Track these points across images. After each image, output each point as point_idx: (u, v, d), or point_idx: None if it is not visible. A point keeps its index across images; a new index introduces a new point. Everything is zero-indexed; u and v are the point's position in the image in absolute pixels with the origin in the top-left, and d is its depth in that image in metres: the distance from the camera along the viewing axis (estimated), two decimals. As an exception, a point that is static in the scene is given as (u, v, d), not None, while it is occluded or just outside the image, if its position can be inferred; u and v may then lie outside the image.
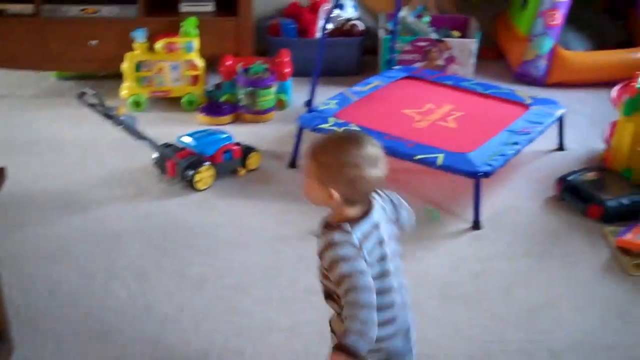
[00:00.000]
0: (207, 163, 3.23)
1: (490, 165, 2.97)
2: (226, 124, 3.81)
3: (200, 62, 3.95)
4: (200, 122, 3.84)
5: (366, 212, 1.75)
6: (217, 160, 3.28)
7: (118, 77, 4.05)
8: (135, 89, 3.93)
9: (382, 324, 1.70)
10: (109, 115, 3.06)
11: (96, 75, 4.30)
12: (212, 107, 3.91)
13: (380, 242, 1.75)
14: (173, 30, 3.97)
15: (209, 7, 4.10)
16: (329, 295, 1.81)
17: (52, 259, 2.79)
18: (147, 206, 3.14)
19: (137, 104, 3.93)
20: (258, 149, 3.45)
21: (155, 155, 3.31)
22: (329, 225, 1.74)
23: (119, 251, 2.84)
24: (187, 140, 3.33)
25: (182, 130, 3.64)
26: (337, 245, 1.68)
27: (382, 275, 1.75)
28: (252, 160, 3.39)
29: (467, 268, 2.77)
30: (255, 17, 4.20)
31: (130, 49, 3.91)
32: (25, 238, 2.90)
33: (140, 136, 3.17)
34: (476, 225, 2.99)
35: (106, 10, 3.98)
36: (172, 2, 4.12)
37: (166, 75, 3.92)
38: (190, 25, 3.93)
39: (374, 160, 1.70)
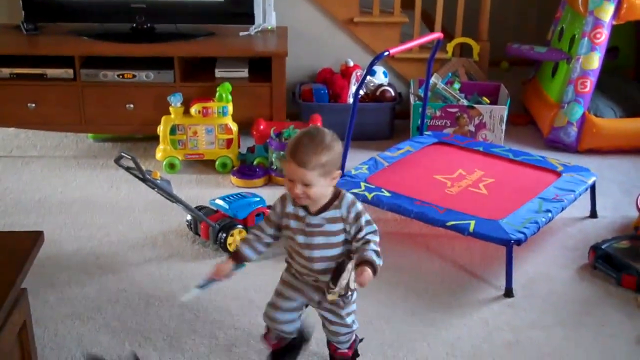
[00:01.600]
0: (240, 226, 3.26)
1: (522, 232, 2.96)
2: (259, 186, 3.86)
3: (234, 126, 4.02)
4: (233, 184, 3.90)
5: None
6: (250, 223, 3.31)
7: (153, 139, 4.13)
8: (170, 151, 4.00)
9: None
10: (144, 178, 3.12)
11: (132, 137, 4.39)
12: (245, 170, 3.96)
13: None
14: (208, 94, 4.06)
15: (243, 73, 4.19)
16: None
17: (85, 320, 2.81)
18: (180, 268, 3.16)
19: (171, 166, 4.00)
20: (290, 212, 3.47)
21: (188, 217, 3.35)
22: (332, 201, 2.24)
23: (151, 313, 2.86)
24: (220, 203, 3.37)
25: (215, 192, 3.70)
26: (357, 202, 2.25)
27: None
28: (284, 224, 3.42)
29: (500, 337, 2.75)
30: (288, 82, 4.28)
31: (166, 112, 3.99)
32: (58, 298, 2.93)
33: (175, 199, 3.22)
34: (508, 293, 2.98)
35: (143, 76, 4.08)
36: (207, 68, 4.22)
37: (200, 139, 4.00)
38: (224, 90, 4.01)
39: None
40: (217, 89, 4.03)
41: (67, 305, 2.90)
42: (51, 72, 4.05)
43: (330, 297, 2.23)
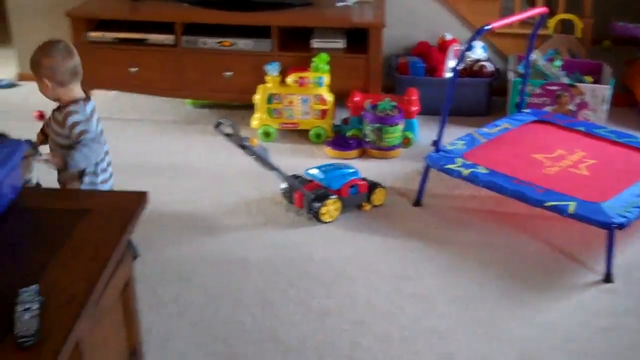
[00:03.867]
0: (334, 196, 3.27)
1: (625, 217, 2.87)
2: (352, 158, 3.86)
3: (329, 97, 4.02)
4: (326, 155, 3.91)
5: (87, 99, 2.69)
6: (344, 194, 3.32)
7: (249, 107, 4.17)
8: (266, 120, 4.04)
9: (104, 169, 2.78)
10: (242, 145, 3.16)
11: (229, 104, 4.45)
12: (339, 141, 3.96)
13: (98, 120, 2.75)
14: (305, 65, 4.06)
15: (340, 44, 4.18)
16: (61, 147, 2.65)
17: (182, 281, 2.88)
18: (274, 235, 3.20)
19: (266, 135, 4.04)
20: (383, 185, 3.47)
21: (283, 186, 3.38)
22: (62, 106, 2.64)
23: (246, 278, 2.91)
24: (315, 173, 3.38)
25: (308, 162, 3.72)
26: (74, 112, 2.60)
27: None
28: (378, 196, 3.41)
29: (596, 322, 2.68)
30: (384, 54, 4.25)
31: (263, 81, 4.03)
32: (157, 259, 3.02)
33: (271, 167, 3.25)
34: (608, 278, 2.90)
35: (242, 44, 4.11)
36: (304, 38, 4.22)
37: (296, 108, 4.01)
38: (321, 61, 4.01)
39: (64, 53, 2.62)
40: (314, 59, 4.03)
41: (165, 265, 2.98)
42: (153, 37, 4.14)
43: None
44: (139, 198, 2.07)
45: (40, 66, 2.60)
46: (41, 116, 4.27)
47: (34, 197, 2.06)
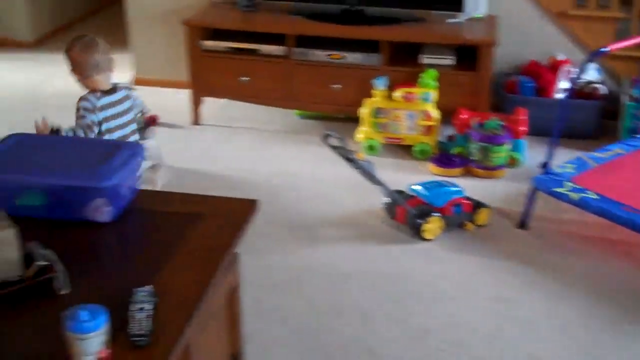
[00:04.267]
0: (437, 214, 3.26)
1: None
2: (456, 176, 3.82)
3: (435, 113, 4.00)
4: (430, 172, 3.89)
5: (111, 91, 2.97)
6: (447, 212, 3.29)
7: (355, 120, 4.20)
8: (371, 133, 4.06)
9: None
10: (349, 158, 3.18)
11: (335, 117, 4.49)
12: (443, 158, 3.94)
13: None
14: (412, 80, 4.06)
15: (449, 61, 4.15)
16: None
17: (284, 289, 2.93)
18: (375, 249, 3.21)
19: (371, 148, 4.06)
20: (488, 205, 3.42)
21: (386, 200, 3.39)
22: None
23: (346, 290, 2.93)
24: (419, 189, 3.37)
25: (411, 178, 3.71)
26: (84, 100, 2.92)
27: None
28: (481, 216, 3.37)
29: None
30: (493, 72, 4.20)
31: (370, 95, 4.05)
32: (260, 265, 3.07)
33: (376, 181, 3.27)
34: None
35: (351, 57, 4.15)
36: (413, 54, 4.22)
37: (401, 123, 4.02)
38: (429, 77, 4.00)
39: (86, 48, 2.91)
40: (422, 75, 4.02)
41: (268, 273, 3.03)
42: (265, 48, 4.23)
43: None
44: (250, 205, 2.12)
45: (67, 58, 2.98)
46: (154, 120, 4.41)
47: (150, 199, 2.13)
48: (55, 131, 2.92)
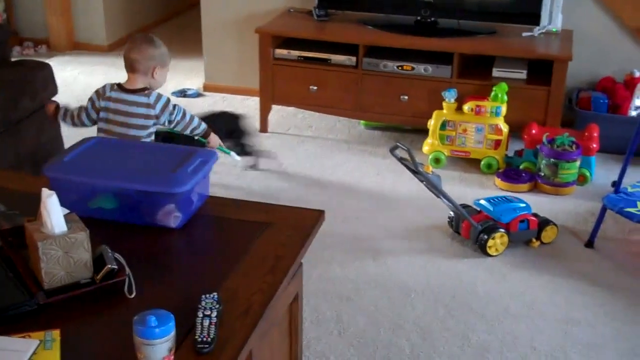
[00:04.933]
0: (502, 230, 3.22)
1: None
2: (523, 192, 3.77)
3: (504, 128, 3.96)
4: (496, 186, 3.85)
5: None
6: (513, 228, 3.25)
7: (421, 132, 4.19)
8: (437, 146, 4.03)
9: None
10: (416, 171, 3.17)
11: (401, 128, 4.48)
12: (511, 173, 3.89)
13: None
14: (482, 93, 4.03)
15: (522, 75, 4.10)
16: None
17: (344, 301, 2.93)
18: (437, 263, 3.19)
19: (436, 161, 4.03)
20: (555, 222, 3.37)
21: (451, 214, 3.36)
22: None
23: (406, 304, 2.92)
24: (485, 204, 3.34)
25: (476, 192, 3.68)
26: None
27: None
28: (548, 234, 3.32)
29: None
30: (566, 87, 4.13)
31: (438, 107, 4.03)
32: (321, 276, 3.08)
33: (442, 194, 3.25)
34: None
35: (421, 69, 4.14)
36: (484, 66, 4.18)
37: (469, 137, 3.98)
38: (500, 90, 3.96)
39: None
40: (493, 88, 3.98)
41: (328, 283, 3.04)
42: (335, 58, 4.25)
43: None
44: (316, 216, 2.13)
45: None
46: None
47: (218, 206, 2.17)
48: (57, 107, 3.11)
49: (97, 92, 3.02)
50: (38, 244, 1.66)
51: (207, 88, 5.13)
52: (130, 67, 3.00)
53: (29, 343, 1.50)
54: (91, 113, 3.02)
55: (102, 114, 3.00)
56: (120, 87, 3.01)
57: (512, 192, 3.74)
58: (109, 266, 1.71)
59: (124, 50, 3.03)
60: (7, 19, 5.97)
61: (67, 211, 1.74)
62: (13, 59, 3.79)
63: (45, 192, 1.70)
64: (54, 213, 1.68)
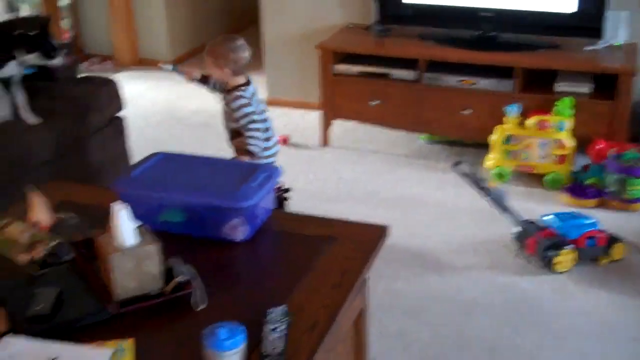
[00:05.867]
0: (569, 246, 3.16)
1: None
2: (589, 208, 3.69)
3: (569, 142, 3.89)
4: (561, 202, 3.78)
5: (248, 83, 3.19)
6: (580, 245, 3.19)
7: (482, 146, 4.14)
8: (501, 161, 3.99)
9: (267, 139, 3.21)
10: (480, 186, 3.14)
11: (462, 142, 4.45)
12: (577, 189, 3.81)
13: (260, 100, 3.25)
14: (545, 107, 3.96)
15: (586, 89, 4.03)
16: (234, 136, 3.23)
17: (409, 316, 2.91)
18: (502, 279, 3.14)
19: (500, 176, 3.98)
20: (623, 239, 3.29)
21: (516, 230, 3.32)
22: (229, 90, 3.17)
23: (472, 320, 2.88)
24: (551, 220, 3.28)
25: (541, 208, 3.62)
26: (240, 97, 3.13)
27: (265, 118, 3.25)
28: (617, 251, 3.24)
29: None
30: (633, 102, 4.04)
31: (501, 122, 3.98)
32: (385, 291, 3.07)
33: (506, 210, 3.20)
34: None
35: (483, 83, 4.10)
36: (547, 81, 4.12)
37: (533, 152, 3.93)
38: (564, 105, 3.89)
39: (243, 48, 3.17)
40: (557, 103, 3.92)
41: (392, 298, 3.02)
42: (396, 72, 4.24)
43: None
44: (381, 231, 2.13)
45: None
46: (285, 141, 4.51)
47: (283, 221, 2.18)
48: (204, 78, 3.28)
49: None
50: (109, 256, 1.69)
51: (268, 102, 5.16)
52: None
53: (102, 352, 1.53)
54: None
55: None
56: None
57: (578, 207, 3.67)
58: (179, 278, 1.73)
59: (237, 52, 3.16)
60: (74, 36, 6.13)
61: (139, 223, 1.77)
62: (80, 75, 3.88)
63: (116, 205, 1.73)
64: (124, 226, 1.71)
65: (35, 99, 3.40)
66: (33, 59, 3.29)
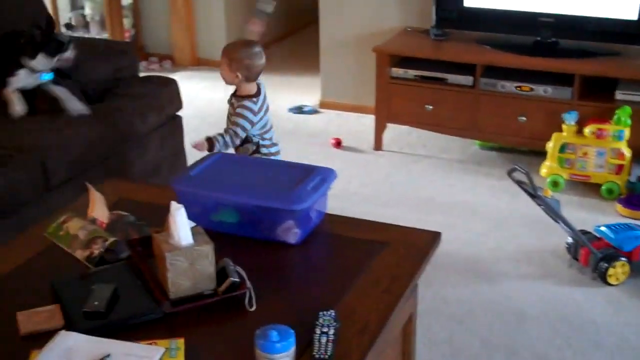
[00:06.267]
0: (624, 258, 3.10)
1: None
2: (646, 219, 3.64)
3: (627, 152, 3.82)
4: (617, 213, 3.72)
5: (258, 93, 3.09)
6: (635, 257, 3.13)
7: (537, 154, 4.10)
8: (556, 169, 3.94)
9: (269, 146, 3.15)
10: (535, 195, 3.11)
11: (517, 149, 4.40)
12: (633, 199, 3.74)
13: (266, 110, 3.13)
14: (604, 116, 3.90)
15: (647, 98, 3.96)
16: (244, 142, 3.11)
17: (457, 323, 2.90)
18: (554, 290, 3.11)
19: (555, 185, 3.93)
20: (680, 254, 3.22)
21: (569, 240, 3.27)
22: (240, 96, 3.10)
23: (521, 330, 2.85)
24: (606, 231, 3.23)
25: (595, 218, 3.57)
26: (247, 105, 3.06)
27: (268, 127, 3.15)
28: (670, 265, 3.18)
29: None
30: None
31: (558, 129, 3.93)
32: (434, 297, 3.06)
33: (560, 219, 3.17)
34: None
35: (540, 90, 4.05)
36: (606, 89, 4.06)
37: (590, 160, 3.87)
38: (624, 113, 3.82)
39: (259, 55, 3.07)
40: (616, 111, 3.85)
41: (441, 305, 3.01)
42: (452, 77, 4.22)
43: None
44: (433, 237, 2.13)
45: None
46: (338, 144, 4.53)
47: (335, 224, 2.20)
48: (209, 139, 3.02)
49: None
50: (165, 255, 1.72)
51: (323, 105, 5.19)
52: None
53: (155, 350, 1.56)
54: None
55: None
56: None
57: (635, 219, 3.60)
58: (232, 279, 1.76)
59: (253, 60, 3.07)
60: (134, 35, 6.24)
61: (193, 224, 1.80)
62: (141, 75, 3.96)
63: (174, 205, 1.77)
64: (181, 225, 1.75)
65: (98, 97, 3.48)
66: (41, 60, 3.23)
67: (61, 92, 3.31)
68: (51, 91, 3.31)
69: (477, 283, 3.17)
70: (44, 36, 3.23)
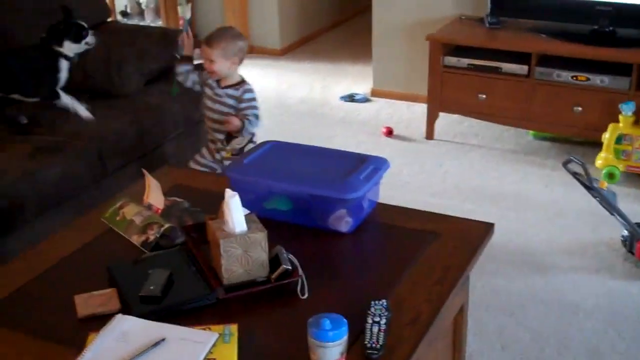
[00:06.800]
0: (682, 253, 3.05)
1: None
2: None
3: (687, 144, 3.74)
4: (676, 206, 3.65)
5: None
6: (692, 252, 3.07)
7: (592, 145, 4.03)
8: (612, 160, 3.86)
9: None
10: (591, 186, 3.06)
11: (571, 139, 4.34)
12: (692, 193, 3.67)
13: None
14: (664, 107, 3.82)
15: None
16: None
17: (508, 314, 2.88)
18: (609, 283, 3.06)
19: (610, 176, 3.86)
20: None
21: (625, 233, 3.22)
22: (236, 84, 3.18)
23: (574, 322, 2.82)
24: (664, 224, 3.17)
25: (655, 211, 3.51)
26: (252, 91, 3.19)
27: None
28: None
29: None
30: None
31: (614, 120, 3.86)
32: (485, 288, 3.04)
33: (616, 212, 3.11)
34: None
35: (597, 80, 3.97)
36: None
37: (647, 152, 3.80)
38: (684, 104, 3.74)
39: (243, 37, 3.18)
40: (674, 101, 3.77)
41: (492, 296, 2.99)
42: (506, 66, 4.16)
43: (223, 154, 3.16)
44: (486, 228, 2.12)
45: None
46: (390, 133, 4.51)
47: (388, 213, 2.20)
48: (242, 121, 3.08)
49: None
50: (220, 242, 1.75)
51: (374, 93, 5.18)
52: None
53: (209, 335, 1.59)
54: None
55: None
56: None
57: (692, 212, 3.54)
58: (284, 266, 1.78)
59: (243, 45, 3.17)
60: (190, 23, 6.29)
61: (247, 211, 1.82)
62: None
63: (228, 192, 1.79)
64: (236, 213, 1.77)
65: (156, 83, 3.52)
66: (68, 46, 3.23)
67: (68, 101, 3.29)
68: (57, 103, 3.29)
69: (529, 275, 3.14)
70: (65, 23, 3.26)
